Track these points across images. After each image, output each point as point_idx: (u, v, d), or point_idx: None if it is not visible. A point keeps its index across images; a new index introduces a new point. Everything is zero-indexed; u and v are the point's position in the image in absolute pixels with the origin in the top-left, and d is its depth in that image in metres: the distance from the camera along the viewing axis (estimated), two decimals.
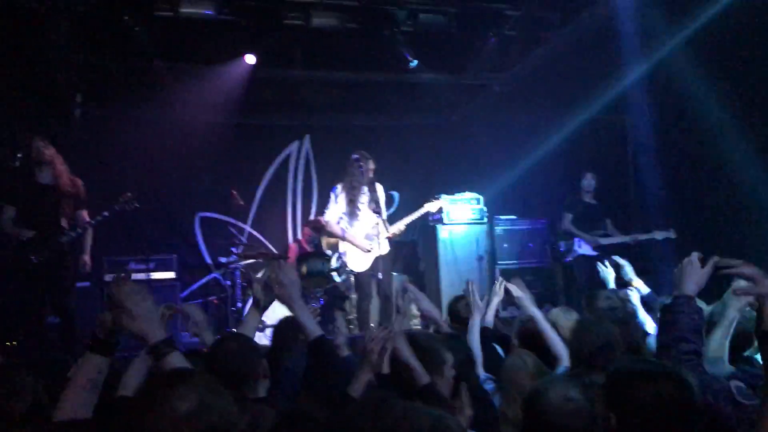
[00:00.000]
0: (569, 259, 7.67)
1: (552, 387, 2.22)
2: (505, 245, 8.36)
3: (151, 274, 7.18)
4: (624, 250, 6.54)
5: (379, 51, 8.10)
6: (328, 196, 6.68)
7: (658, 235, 7.16)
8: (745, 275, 2.23)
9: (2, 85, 7.03)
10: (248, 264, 7.86)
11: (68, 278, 5.98)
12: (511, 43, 8.22)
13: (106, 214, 5.93)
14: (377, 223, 6.49)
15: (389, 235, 6.55)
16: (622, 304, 4.27)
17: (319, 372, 2.81)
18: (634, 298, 4.48)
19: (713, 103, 6.65)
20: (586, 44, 7.56)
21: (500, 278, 4.49)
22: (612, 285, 4.97)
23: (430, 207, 7.18)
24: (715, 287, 2.94)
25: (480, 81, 9.02)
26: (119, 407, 2.28)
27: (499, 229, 8.37)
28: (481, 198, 8.33)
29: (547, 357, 3.44)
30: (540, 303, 4.34)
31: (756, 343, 2.40)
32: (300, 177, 9.58)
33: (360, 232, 6.54)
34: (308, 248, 8.17)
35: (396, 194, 7.13)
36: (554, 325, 3.70)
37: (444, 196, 7.78)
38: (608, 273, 5.04)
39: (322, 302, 7.33)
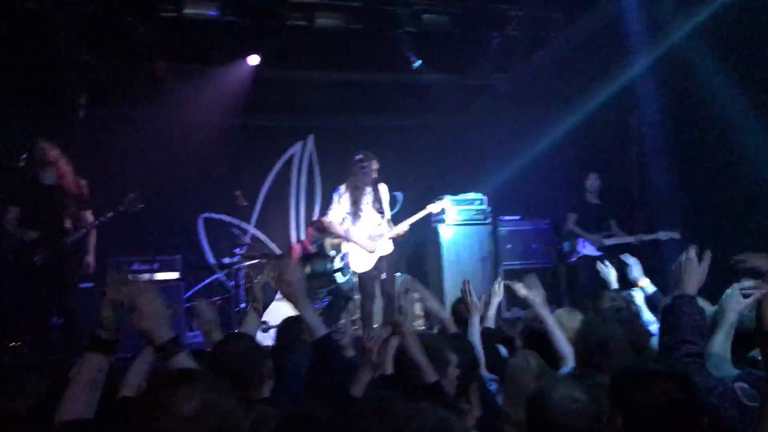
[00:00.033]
0: (573, 259, 7.66)
1: (556, 387, 2.22)
2: (509, 246, 8.35)
3: (155, 274, 7.19)
4: (628, 251, 6.51)
5: (383, 51, 8.09)
6: (332, 197, 6.67)
7: (663, 236, 7.14)
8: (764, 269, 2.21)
9: (6, 85, 7.05)
10: (252, 265, 7.86)
11: (72, 279, 5.99)
12: (514, 44, 8.21)
13: (110, 214, 5.94)
14: (381, 224, 6.49)
15: (393, 235, 6.54)
16: (626, 304, 4.26)
17: (323, 371, 2.80)
18: (638, 298, 4.47)
19: (724, 98, 6.48)
20: (590, 44, 7.53)
21: (499, 278, 4.48)
22: (615, 284, 4.96)
23: (434, 207, 7.17)
24: (718, 287, 2.93)
25: (483, 81, 9.00)
26: (122, 408, 2.28)
27: (502, 230, 8.37)
28: (485, 198, 8.33)
29: (551, 357, 3.43)
30: None
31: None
32: (303, 177, 9.58)
33: (363, 233, 6.53)
34: (312, 249, 8.17)
35: (400, 195, 7.12)
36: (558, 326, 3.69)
37: (447, 197, 7.77)
38: (609, 273, 5.02)
39: (326, 303, 7.33)
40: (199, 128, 8.38)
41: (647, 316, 4.33)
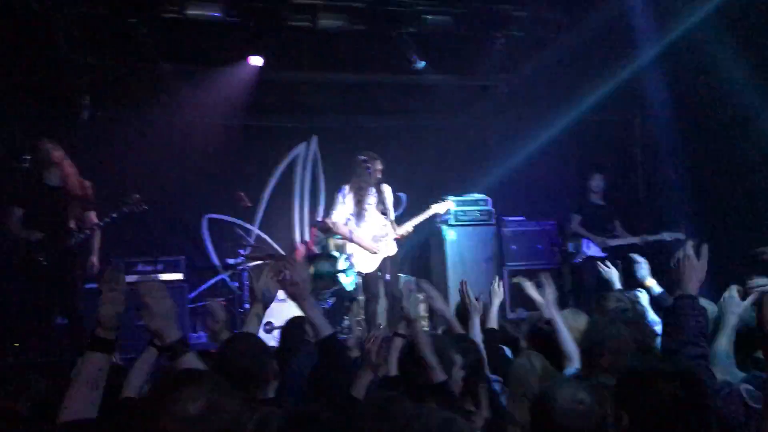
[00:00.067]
0: (578, 260, 7.64)
1: (561, 389, 2.21)
2: (513, 246, 8.31)
3: (159, 275, 7.18)
4: (633, 252, 6.49)
5: (386, 52, 8.09)
6: (335, 198, 6.67)
7: (668, 237, 7.12)
8: None
9: (9, 86, 7.06)
10: (256, 265, 7.85)
11: (76, 280, 5.98)
12: (518, 44, 8.20)
13: (114, 215, 5.94)
14: (385, 224, 6.48)
15: (397, 236, 6.53)
16: (632, 305, 4.24)
17: (327, 371, 2.80)
18: (643, 299, 4.45)
19: (732, 97, 6.45)
20: (595, 44, 7.52)
21: (497, 277, 4.47)
22: (618, 284, 4.94)
23: (438, 208, 7.16)
24: (725, 285, 2.91)
25: (487, 82, 9.00)
26: (125, 408, 2.28)
27: (507, 231, 8.34)
28: (489, 199, 8.31)
29: (556, 358, 3.42)
30: None
31: None
32: (307, 178, 9.56)
33: (367, 234, 6.52)
34: (315, 249, 8.16)
35: (404, 196, 7.14)
36: None
37: (451, 197, 7.75)
38: (612, 273, 5.00)
39: (330, 303, 7.32)
40: (203, 129, 8.37)
41: (652, 316, 4.31)
